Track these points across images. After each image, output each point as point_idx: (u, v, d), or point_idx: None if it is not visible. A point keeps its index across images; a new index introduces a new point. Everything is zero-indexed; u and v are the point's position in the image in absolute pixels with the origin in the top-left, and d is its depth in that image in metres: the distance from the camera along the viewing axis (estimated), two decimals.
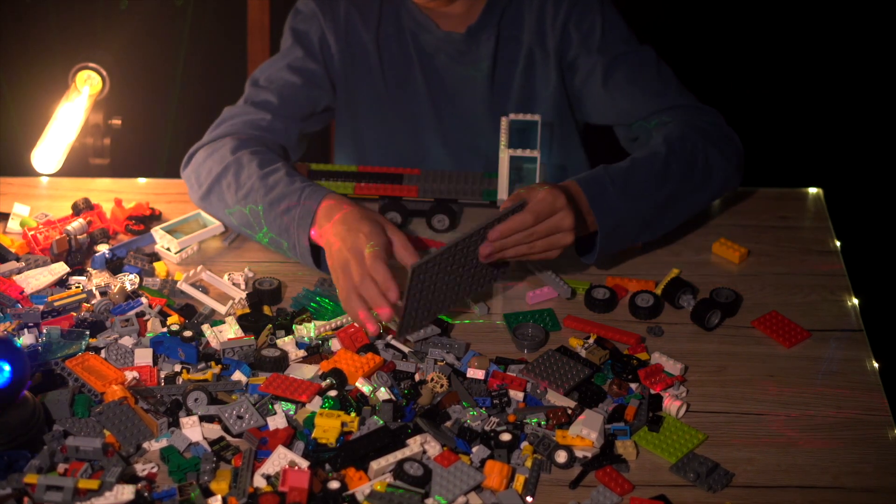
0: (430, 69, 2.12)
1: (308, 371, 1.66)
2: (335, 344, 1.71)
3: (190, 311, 1.79)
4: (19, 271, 1.84)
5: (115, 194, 2.04)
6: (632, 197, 1.84)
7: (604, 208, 1.82)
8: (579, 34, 2.07)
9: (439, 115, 2.15)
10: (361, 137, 2.20)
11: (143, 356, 1.66)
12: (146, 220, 1.98)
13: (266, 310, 1.78)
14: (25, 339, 1.67)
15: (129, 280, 1.81)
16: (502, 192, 1.95)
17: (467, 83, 2.13)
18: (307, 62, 2.08)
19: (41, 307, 1.75)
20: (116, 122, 2.31)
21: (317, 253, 1.84)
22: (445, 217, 1.98)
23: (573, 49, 2.08)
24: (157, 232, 1.92)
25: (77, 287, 1.81)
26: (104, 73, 2.19)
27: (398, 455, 1.50)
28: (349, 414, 1.56)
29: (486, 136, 2.15)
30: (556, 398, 1.62)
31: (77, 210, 1.99)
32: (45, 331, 1.68)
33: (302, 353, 1.70)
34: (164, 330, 1.71)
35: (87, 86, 2.19)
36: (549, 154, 2.18)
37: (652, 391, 1.64)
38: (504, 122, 1.97)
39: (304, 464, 1.49)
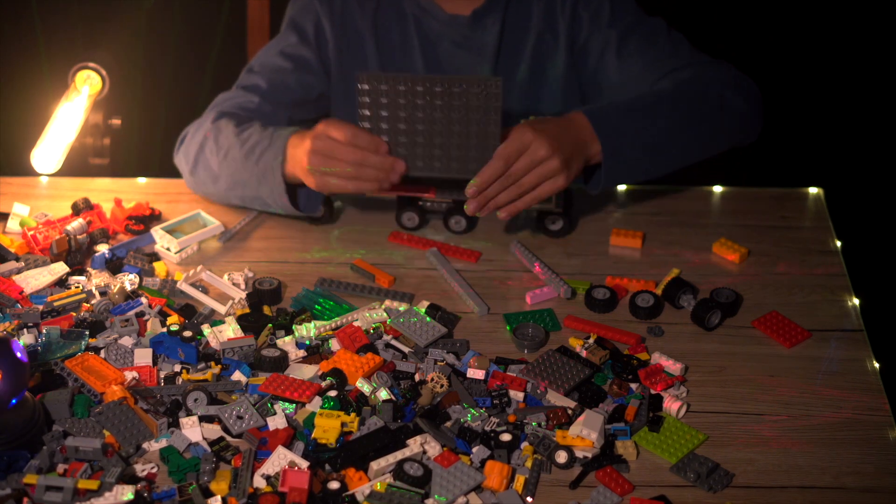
0: (431, 57, 2.12)
1: (308, 371, 1.66)
2: (335, 344, 1.71)
3: (190, 311, 1.79)
4: (19, 271, 1.84)
5: (114, 194, 2.04)
6: (637, 118, 1.89)
7: (606, 129, 1.86)
8: (588, 13, 2.09)
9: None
10: None
11: (143, 356, 1.66)
12: (146, 220, 1.98)
13: (266, 310, 1.78)
14: (25, 339, 1.67)
15: (128, 280, 1.81)
16: None
17: (470, 71, 2.12)
18: (300, 48, 2.10)
19: (41, 307, 1.75)
20: (116, 122, 2.31)
21: (294, 196, 1.92)
22: (462, 218, 1.97)
23: (584, 30, 2.10)
24: (156, 232, 1.92)
25: (77, 287, 1.81)
26: (104, 73, 2.19)
27: (398, 455, 1.50)
28: (349, 414, 1.56)
29: None
30: (556, 398, 1.62)
31: (77, 210, 1.99)
32: (44, 331, 1.68)
33: (302, 353, 1.70)
34: (164, 330, 1.71)
35: (86, 86, 2.19)
36: None
37: (652, 391, 1.64)
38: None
39: (304, 464, 1.49)
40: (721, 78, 2.01)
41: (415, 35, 2.11)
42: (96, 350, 1.68)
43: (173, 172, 2.13)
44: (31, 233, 1.90)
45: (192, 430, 1.54)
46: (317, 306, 1.80)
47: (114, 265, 1.87)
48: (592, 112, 1.88)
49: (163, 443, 1.54)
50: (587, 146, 1.86)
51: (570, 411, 1.59)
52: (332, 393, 1.59)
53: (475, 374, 1.65)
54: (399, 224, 1.99)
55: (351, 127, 1.81)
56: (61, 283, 1.83)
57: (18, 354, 1.46)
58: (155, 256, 1.91)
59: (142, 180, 2.12)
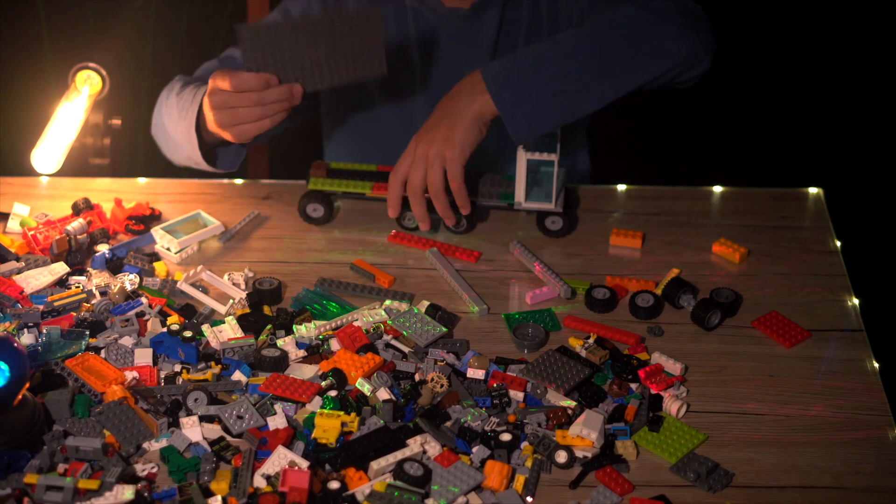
0: (428, 50, 2.13)
1: (308, 371, 1.66)
2: (335, 344, 1.71)
3: (190, 311, 1.79)
4: (19, 271, 1.84)
5: (115, 194, 2.04)
6: (539, 60, 1.88)
7: (496, 79, 1.87)
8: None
9: (433, 96, 2.15)
10: (352, 129, 2.21)
11: (143, 356, 1.66)
12: (146, 220, 1.98)
13: (266, 310, 1.78)
14: (25, 339, 1.67)
15: (129, 280, 1.81)
16: (519, 195, 1.94)
17: (467, 66, 2.12)
18: None
19: (41, 307, 1.75)
20: (116, 122, 2.31)
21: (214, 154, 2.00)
22: (464, 219, 1.97)
23: (562, 7, 2.10)
24: (157, 232, 1.93)
25: (77, 287, 1.81)
26: (104, 73, 2.19)
27: (398, 455, 1.50)
28: (349, 414, 1.56)
29: None
30: (556, 398, 1.63)
31: (77, 210, 1.99)
32: (45, 331, 1.68)
33: (302, 353, 1.70)
34: (164, 330, 1.71)
35: (87, 86, 2.19)
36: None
37: (652, 391, 1.64)
38: None
39: (304, 464, 1.49)
40: (646, 4, 1.96)
41: (413, 28, 2.11)
42: (96, 350, 1.68)
43: (173, 173, 2.14)
44: (32, 233, 1.90)
45: (193, 430, 1.55)
46: (316, 306, 1.80)
47: (114, 265, 1.87)
48: (487, 66, 1.90)
49: (163, 442, 1.54)
50: (471, 104, 1.87)
51: (570, 411, 1.59)
52: (332, 393, 1.60)
53: (475, 374, 1.65)
54: (400, 224, 1.99)
55: (235, 74, 1.81)
56: (61, 283, 1.83)
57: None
58: (155, 256, 1.91)
59: (142, 180, 2.12)
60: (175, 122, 1.98)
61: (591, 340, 1.71)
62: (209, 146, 1.97)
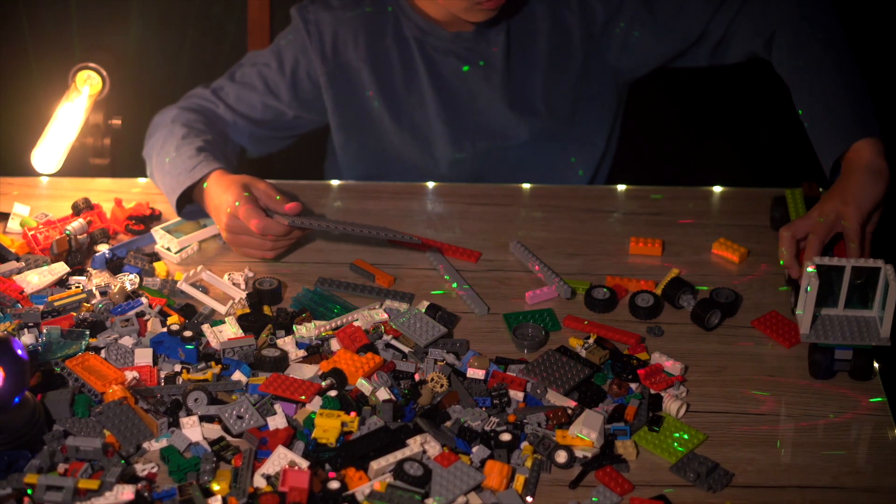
0: (437, 75, 2.11)
1: (308, 371, 1.66)
2: (335, 344, 1.71)
3: (190, 311, 1.79)
4: (19, 271, 1.84)
5: (115, 194, 2.04)
6: (859, 95, 1.91)
7: (861, 128, 1.83)
8: (601, 2, 2.08)
9: (450, 122, 2.14)
10: (368, 153, 2.19)
11: (143, 356, 1.66)
12: (146, 220, 1.98)
13: (266, 310, 1.78)
14: (25, 339, 1.67)
15: (129, 280, 1.81)
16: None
17: (483, 85, 2.11)
18: (275, 75, 2.13)
19: (41, 307, 1.75)
20: (116, 122, 2.31)
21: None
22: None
23: (600, 17, 2.08)
24: (157, 232, 1.93)
25: (77, 287, 1.81)
26: (104, 73, 2.19)
27: (398, 455, 1.50)
28: (349, 414, 1.56)
29: (506, 133, 2.14)
30: (556, 398, 1.63)
31: (77, 210, 1.99)
32: (45, 331, 1.68)
33: (302, 353, 1.70)
34: (164, 330, 1.71)
35: (87, 86, 2.19)
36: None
37: (652, 391, 1.64)
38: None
39: (304, 464, 1.49)
40: (790, 12, 2.00)
41: (418, 57, 2.10)
42: (97, 350, 1.68)
43: None
44: (32, 233, 1.90)
45: (193, 430, 1.55)
46: (321, 308, 1.80)
47: (114, 265, 1.87)
48: (838, 135, 1.83)
49: (163, 442, 1.54)
50: (858, 158, 1.79)
51: (570, 411, 1.59)
52: (332, 393, 1.60)
53: (475, 374, 1.65)
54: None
55: (261, 217, 1.82)
56: (62, 283, 1.83)
57: (19, 352, 1.46)
58: (155, 256, 1.91)
59: (142, 180, 2.12)
60: (162, 172, 2.00)
61: (591, 340, 1.71)
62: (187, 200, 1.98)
